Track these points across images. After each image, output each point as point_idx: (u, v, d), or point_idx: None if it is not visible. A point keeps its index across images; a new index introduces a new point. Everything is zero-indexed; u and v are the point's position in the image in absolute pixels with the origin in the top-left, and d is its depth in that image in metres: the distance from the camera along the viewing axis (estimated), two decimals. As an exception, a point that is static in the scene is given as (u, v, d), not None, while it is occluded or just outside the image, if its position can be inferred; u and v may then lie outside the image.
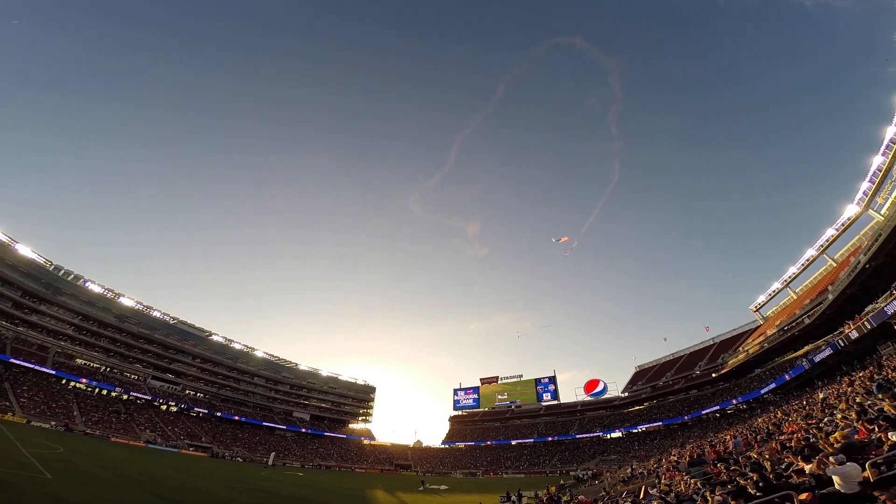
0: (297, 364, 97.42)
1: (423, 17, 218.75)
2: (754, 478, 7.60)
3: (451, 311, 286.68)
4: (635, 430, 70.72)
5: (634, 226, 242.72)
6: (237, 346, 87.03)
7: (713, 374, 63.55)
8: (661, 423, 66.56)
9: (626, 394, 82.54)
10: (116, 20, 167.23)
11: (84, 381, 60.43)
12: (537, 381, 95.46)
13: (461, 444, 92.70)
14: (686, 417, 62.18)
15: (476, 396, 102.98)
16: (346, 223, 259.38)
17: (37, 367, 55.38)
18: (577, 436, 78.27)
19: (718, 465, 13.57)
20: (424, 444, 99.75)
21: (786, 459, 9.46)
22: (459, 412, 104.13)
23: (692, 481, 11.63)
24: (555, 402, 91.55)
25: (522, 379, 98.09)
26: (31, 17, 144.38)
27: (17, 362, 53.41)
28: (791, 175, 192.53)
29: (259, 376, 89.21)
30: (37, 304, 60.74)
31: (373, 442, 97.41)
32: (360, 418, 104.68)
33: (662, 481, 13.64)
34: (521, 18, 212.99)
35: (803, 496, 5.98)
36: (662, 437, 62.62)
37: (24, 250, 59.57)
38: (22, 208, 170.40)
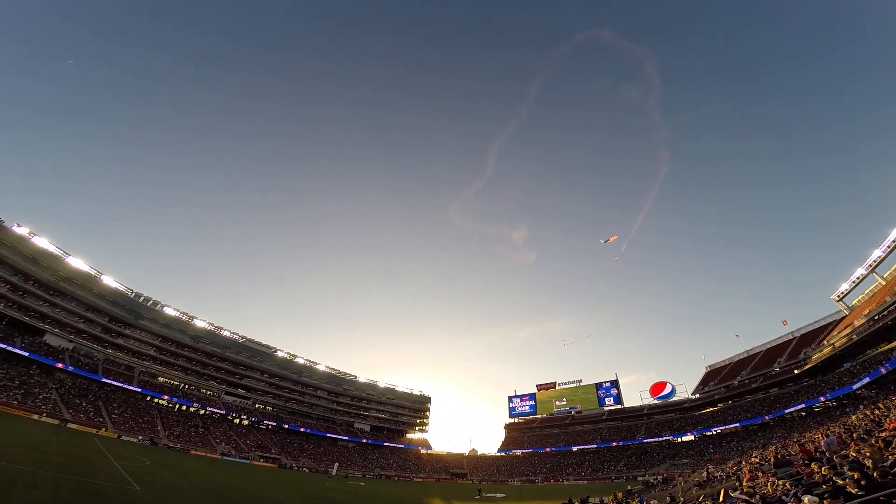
0: (356, 377, 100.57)
1: (445, 27, 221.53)
2: (855, 476, 6.72)
3: (501, 319, 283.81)
4: (709, 433, 65.58)
5: (691, 219, 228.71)
6: (300, 361, 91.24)
7: (795, 371, 57.69)
8: (738, 425, 61.23)
9: (697, 395, 77.07)
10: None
11: (166, 397, 66.01)
12: (598, 386, 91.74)
13: (518, 452, 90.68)
14: (767, 417, 56.76)
15: (533, 403, 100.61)
16: (389, 239, 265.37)
17: (125, 386, 61.29)
18: (645, 440, 74.01)
19: (811, 464, 12.18)
20: (480, 453, 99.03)
21: (890, 457, 8.31)
22: (515, 419, 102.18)
23: (780, 482, 10.47)
24: (618, 407, 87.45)
25: (582, 384, 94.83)
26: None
27: (108, 381, 59.32)
28: (866, 154, 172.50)
29: (322, 389, 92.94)
30: (122, 328, 67.42)
31: (429, 451, 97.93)
32: (416, 428, 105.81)
33: (745, 483, 12.42)
34: (543, 17, 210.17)
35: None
36: (741, 439, 57.50)
37: (109, 280, 66.19)
38: (101, 238, 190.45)
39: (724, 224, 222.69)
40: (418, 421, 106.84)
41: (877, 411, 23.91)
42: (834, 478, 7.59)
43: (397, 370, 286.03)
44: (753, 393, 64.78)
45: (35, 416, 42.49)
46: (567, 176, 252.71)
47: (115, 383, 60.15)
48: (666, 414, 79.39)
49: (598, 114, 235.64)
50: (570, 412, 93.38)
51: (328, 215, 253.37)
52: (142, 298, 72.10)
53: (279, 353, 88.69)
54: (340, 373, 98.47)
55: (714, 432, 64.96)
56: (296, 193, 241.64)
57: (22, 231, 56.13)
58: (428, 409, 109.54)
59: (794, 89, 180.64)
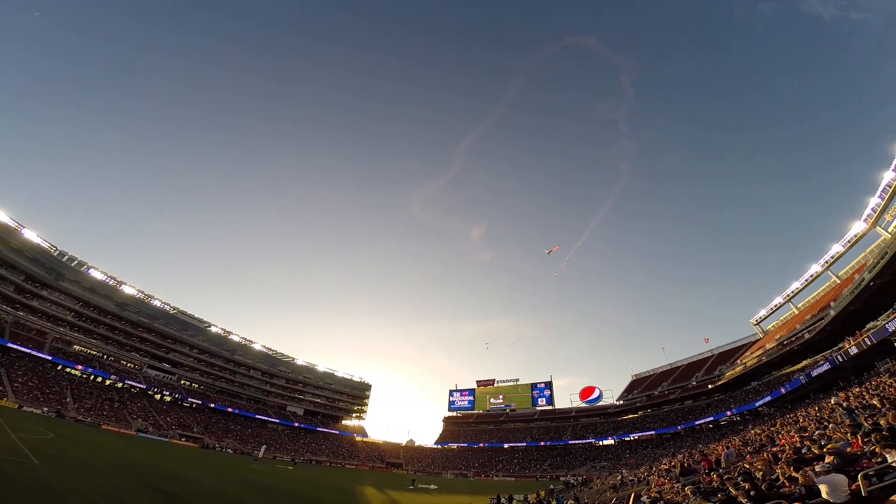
0: (294, 359, 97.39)
1: (431, 18, 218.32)
2: (746, 487, 7.53)
3: (450, 313, 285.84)
4: (627, 438, 70.63)
5: (638, 234, 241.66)
6: (235, 339, 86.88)
7: (709, 386, 63.36)
8: (653, 433, 66.45)
9: (622, 401, 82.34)
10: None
11: (80, 367, 60.28)
12: (533, 386, 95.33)
13: (454, 445, 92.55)
14: (679, 427, 62.05)
15: (471, 398, 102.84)
16: (347, 221, 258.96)
17: (34, 353, 55.36)
18: (570, 441, 78.21)
19: (711, 474, 13.47)
20: (417, 444, 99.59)
21: (777, 470, 9.39)
22: (454, 413, 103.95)
23: (685, 489, 11.51)
24: (550, 408, 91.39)
25: (519, 383, 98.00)
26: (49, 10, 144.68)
27: (15, 346, 53.40)
28: (799, 189, 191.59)
29: (255, 369, 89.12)
30: (39, 288, 60.67)
31: (365, 439, 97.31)
32: (354, 415, 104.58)
33: (653, 488, 13.52)
34: (530, 18, 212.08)
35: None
36: (654, 447, 62.48)
37: (30, 235, 59.49)
38: (31, 195, 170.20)
39: (666, 241, 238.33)
40: (356, 408, 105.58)
41: (773, 428, 26.73)
42: (729, 487, 8.45)
43: (339, 356, 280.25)
44: (671, 403, 70.41)
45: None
46: (532, 179, 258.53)
47: (23, 349, 54.12)
48: (592, 417, 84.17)
49: (570, 122, 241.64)
50: (506, 410, 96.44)
51: (282, 190, 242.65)
52: (66, 258, 65.25)
53: (212, 329, 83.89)
54: (277, 353, 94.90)
55: (632, 438, 70.02)
56: (250, 165, 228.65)
57: None
58: (367, 397, 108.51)
59: (741, 118, 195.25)
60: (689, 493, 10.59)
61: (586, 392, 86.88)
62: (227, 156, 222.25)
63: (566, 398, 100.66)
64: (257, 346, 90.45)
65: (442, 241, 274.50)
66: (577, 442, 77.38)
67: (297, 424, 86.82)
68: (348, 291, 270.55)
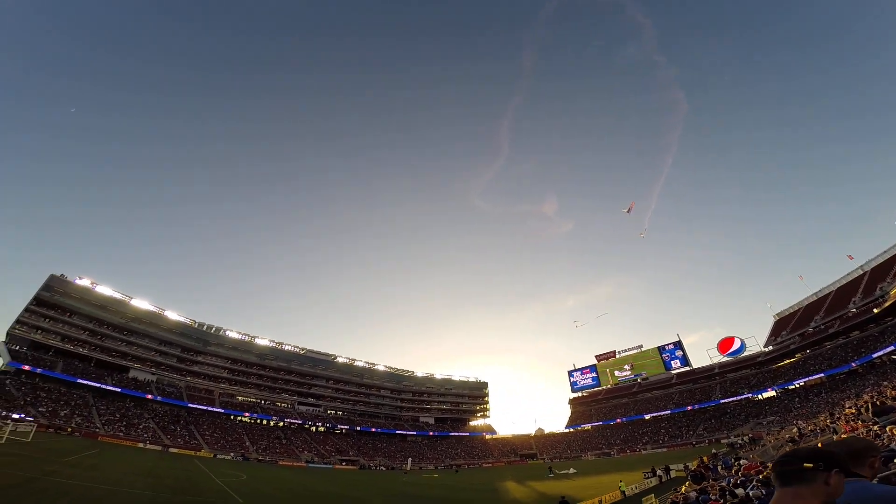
0: (413, 372, 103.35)
1: (419, 18, 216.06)
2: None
3: (544, 293, 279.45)
4: (791, 387, 61.66)
5: (727, 155, 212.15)
6: (360, 364, 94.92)
7: (875, 310, 52.57)
8: (822, 375, 57.05)
9: (771, 347, 72.49)
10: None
11: (247, 414, 71.02)
12: (661, 349, 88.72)
13: (587, 426, 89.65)
14: (854, 364, 52.42)
15: (595, 375, 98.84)
16: (414, 232, 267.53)
17: (209, 409, 66.62)
18: (722, 401, 70.72)
19: None
20: (547, 431, 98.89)
21: None
22: (579, 393, 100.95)
23: (889, 429, 9.80)
24: (687, 369, 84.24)
25: (643, 349, 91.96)
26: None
27: (194, 406, 64.84)
28: None
29: (384, 388, 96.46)
30: (194, 356, 73.08)
31: (494, 436, 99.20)
32: (478, 414, 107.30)
33: (842, 435, 11.68)
34: None
35: None
36: (828, 391, 53.61)
37: (172, 315, 71.59)
38: (156, 279, 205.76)
39: (759, 165, 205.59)
40: (478, 407, 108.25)
41: None
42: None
43: (450, 361, 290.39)
44: (832, 339, 59.99)
45: (140, 445, 47.17)
46: (585, 141, 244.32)
47: (200, 407, 65.47)
48: (740, 371, 75.37)
49: (600, 73, 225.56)
50: (636, 380, 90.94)
51: (358, 222, 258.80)
52: (205, 327, 77.39)
53: (339, 359, 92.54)
54: (399, 370, 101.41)
55: (797, 385, 61.01)
56: (321, 203, 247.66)
57: (84, 282, 61.92)
58: (486, 395, 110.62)
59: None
60: (894, 433, 8.97)
61: (725, 344, 78.36)
62: (295, 201, 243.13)
63: (703, 356, 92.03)
64: (380, 367, 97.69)
65: (514, 227, 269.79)
66: (730, 400, 69.72)
67: (431, 433, 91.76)
68: (439, 298, 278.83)
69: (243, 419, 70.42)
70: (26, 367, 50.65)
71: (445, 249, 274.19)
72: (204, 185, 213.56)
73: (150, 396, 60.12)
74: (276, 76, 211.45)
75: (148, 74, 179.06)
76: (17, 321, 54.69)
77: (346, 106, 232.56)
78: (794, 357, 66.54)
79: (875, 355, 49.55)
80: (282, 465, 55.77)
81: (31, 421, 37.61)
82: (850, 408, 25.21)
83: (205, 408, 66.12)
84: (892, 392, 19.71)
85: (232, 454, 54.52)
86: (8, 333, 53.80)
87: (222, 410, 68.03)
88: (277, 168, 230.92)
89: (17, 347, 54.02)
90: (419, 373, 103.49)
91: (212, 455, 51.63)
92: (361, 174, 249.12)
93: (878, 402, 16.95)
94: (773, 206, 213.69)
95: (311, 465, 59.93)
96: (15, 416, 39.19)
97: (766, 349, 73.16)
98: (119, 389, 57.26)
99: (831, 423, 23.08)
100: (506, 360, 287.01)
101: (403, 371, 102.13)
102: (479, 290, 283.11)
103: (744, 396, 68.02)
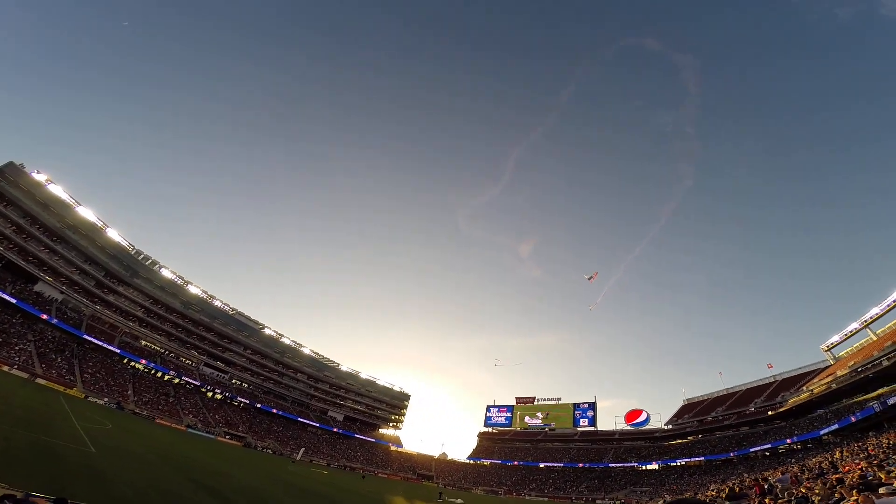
0: (338, 364, 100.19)
1: (478, 27, 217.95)
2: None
3: (493, 327, 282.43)
4: (674, 464, 66.13)
5: (693, 254, 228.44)
6: (286, 341, 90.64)
7: (769, 412, 58.31)
8: (702, 458, 61.81)
9: (670, 426, 77.57)
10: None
11: (144, 361, 65.16)
12: (576, 406, 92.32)
13: (487, 462, 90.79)
14: (732, 454, 57.34)
15: (509, 415, 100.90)
16: (395, 231, 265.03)
17: (105, 345, 60.41)
18: (611, 464, 74.47)
19: (764, 499, 12.35)
20: (449, 457, 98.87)
21: (836, 494, 8.53)
22: (490, 429, 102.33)
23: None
24: (592, 429, 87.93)
25: (561, 402, 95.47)
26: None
27: (90, 339, 58.48)
28: (877, 213, 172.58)
29: (302, 372, 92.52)
30: (116, 284, 66.96)
31: (400, 449, 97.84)
32: (391, 424, 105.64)
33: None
34: (583, 21, 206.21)
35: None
36: (703, 473, 57.99)
37: (113, 233, 65.85)
38: (112, 193, 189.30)
39: (727, 265, 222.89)
40: (394, 417, 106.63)
41: (836, 455, 24.17)
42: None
43: (380, 363, 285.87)
44: (724, 429, 65.29)
45: (5, 368, 41.86)
46: (583, 194, 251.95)
47: (96, 341, 59.32)
48: (636, 441, 79.74)
49: (627, 132, 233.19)
50: (545, 429, 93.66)
51: (335, 201, 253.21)
52: (141, 256, 71.54)
53: (266, 330, 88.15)
54: (324, 358, 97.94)
55: (678, 463, 65.55)
56: (308, 173, 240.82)
57: (40, 177, 56.54)
58: (406, 407, 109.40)
59: (814, 138, 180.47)
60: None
61: (632, 415, 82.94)
62: (282, 161, 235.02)
63: (609, 420, 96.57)
64: (306, 350, 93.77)
65: (488, 255, 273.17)
66: (618, 465, 73.51)
67: (336, 430, 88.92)
68: (391, 301, 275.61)
69: (137, 366, 64.66)
70: None
71: (415, 256, 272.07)
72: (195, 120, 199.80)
73: (44, 317, 53.40)
74: (279, 78, 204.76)
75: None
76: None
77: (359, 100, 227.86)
78: (687, 439, 71.52)
79: (752, 450, 54.56)
80: (159, 422, 51.65)
81: None
82: (711, 490, 27.15)
83: (101, 343, 59.76)
84: (750, 482, 21.53)
85: (106, 399, 49.58)
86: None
87: (118, 351, 62.01)
88: (276, 130, 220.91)
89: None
90: (344, 367, 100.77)
91: (83, 395, 46.83)
92: (355, 157, 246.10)
93: (735, 489, 18.45)
94: (719, 307, 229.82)
95: (191, 429, 55.93)
96: None
97: (666, 427, 78.04)
98: (14, 300, 50.37)
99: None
100: (434, 377, 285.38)
101: (328, 360, 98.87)
102: (434, 304, 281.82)
103: (630, 464, 72.04)
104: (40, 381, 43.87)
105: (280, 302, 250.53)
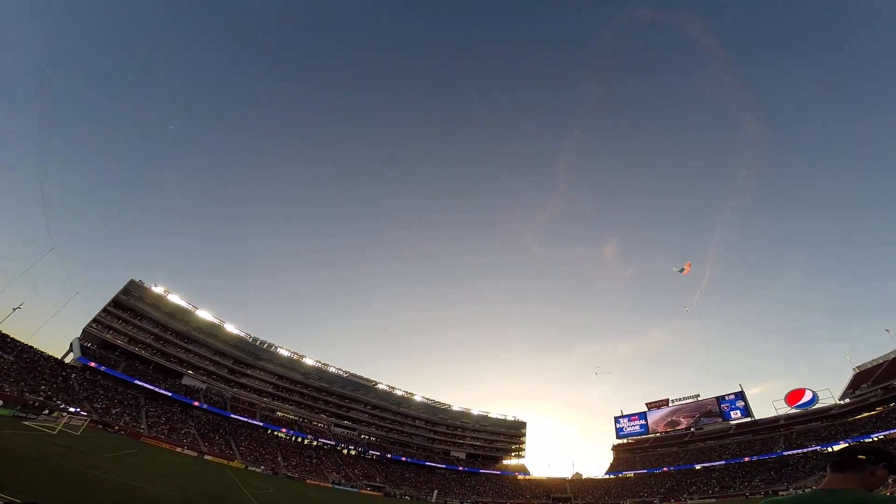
0: (450, 405, 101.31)
1: (471, 43, 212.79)
2: None
3: (594, 337, 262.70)
4: (868, 440, 54.18)
5: (797, 202, 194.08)
6: (399, 393, 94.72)
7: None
8: (909, 429, 49.90)
9: (847, 399, 64.60)
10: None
11: (284, 430, 72.34)
12: (720, 399, 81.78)
13: (630, 473, 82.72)
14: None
15: (643, 422, 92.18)
16: (467, 269, 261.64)
17: (249, 421, 68.51)
18: (785, 452, 63.36)
19: None
20: (584, 476, 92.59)
21: None
22: (624, 440, 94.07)
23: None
24: (747, 420, 76.72)
25: (700, 399, 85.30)
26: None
27: (235, 417, 66.93)
28: None
29: (419, 419, 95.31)
30: (244, 369, 76.21)
31: (527, 477, 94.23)
32: (512, 454, 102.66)
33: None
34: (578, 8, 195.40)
35: None
36: (916, 448, 46.56)
37: (231, 328, 75.78)
38: (219, 291, 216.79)
39: (849, 205, 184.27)
40: (514, 447, 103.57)
41: None
42: None
43: (487, 401, 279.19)
44: (923, 393, 52.62)
45: (178, 449, 48.98)
46: (648, 181, 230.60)
47: (241, 418, 67.45)
48: (809, 423, 67.46)
49: (666, 107, 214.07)
50: (690, 429, 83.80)
51: (416, 254, 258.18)
52: (258, 342, 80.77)
53: (379, 386, 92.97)
54: (436, 402, 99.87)
55: (874, 438, 53.65)
56: (385, 233, 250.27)
57: (159, 290, 67.50)
58: (524, 435, 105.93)
59: None
60: None
61: (795, 395, 71.12)
62: (359, 225, 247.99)
63: (766, 408, 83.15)
64: (418, 398, 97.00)
65: (570, 270, 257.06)
66: (794, 452, 62.33)
67: (461, 468, 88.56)
68: (487, 337, 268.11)
69: (279, 434, 71.55)
70: (92, 364, 55.03)
71: (498, 290, 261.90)
72: (271, 203, 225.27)
73: (196, 403, 62.86)
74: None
75: (255, 88, 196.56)
76: (94, 320, 60.24)
77: (399, 135, 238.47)
78: (875, 410, 58.84)
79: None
80: (309, 483, 55.70)
81: (84, 416, 40.33)
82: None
83: (245, 419, 67.98)
84: None
85: (262, 467, 55.23)
86: (84, 330, 59.32)
87: (261, 424, 69.63)
88: (331, 192, 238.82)
89: (89, 345, 59.07)
90: (456, 407, 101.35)
91: (243, 466, 52.60)
92: (418, 205, 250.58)
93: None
94: (860, 253, 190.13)
95: (336, 486, 59.40)
96: (71, 409, 42.30)
97: (842, 401, 65.25)
98: (170, 394, 60.51)
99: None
100: (550, 402, 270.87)
101: (440, 403, 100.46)
102: (528, 330, 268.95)
103: (811, 449, 60.80)
104: (207, 457, 50.37)
105: (386, 357, 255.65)
